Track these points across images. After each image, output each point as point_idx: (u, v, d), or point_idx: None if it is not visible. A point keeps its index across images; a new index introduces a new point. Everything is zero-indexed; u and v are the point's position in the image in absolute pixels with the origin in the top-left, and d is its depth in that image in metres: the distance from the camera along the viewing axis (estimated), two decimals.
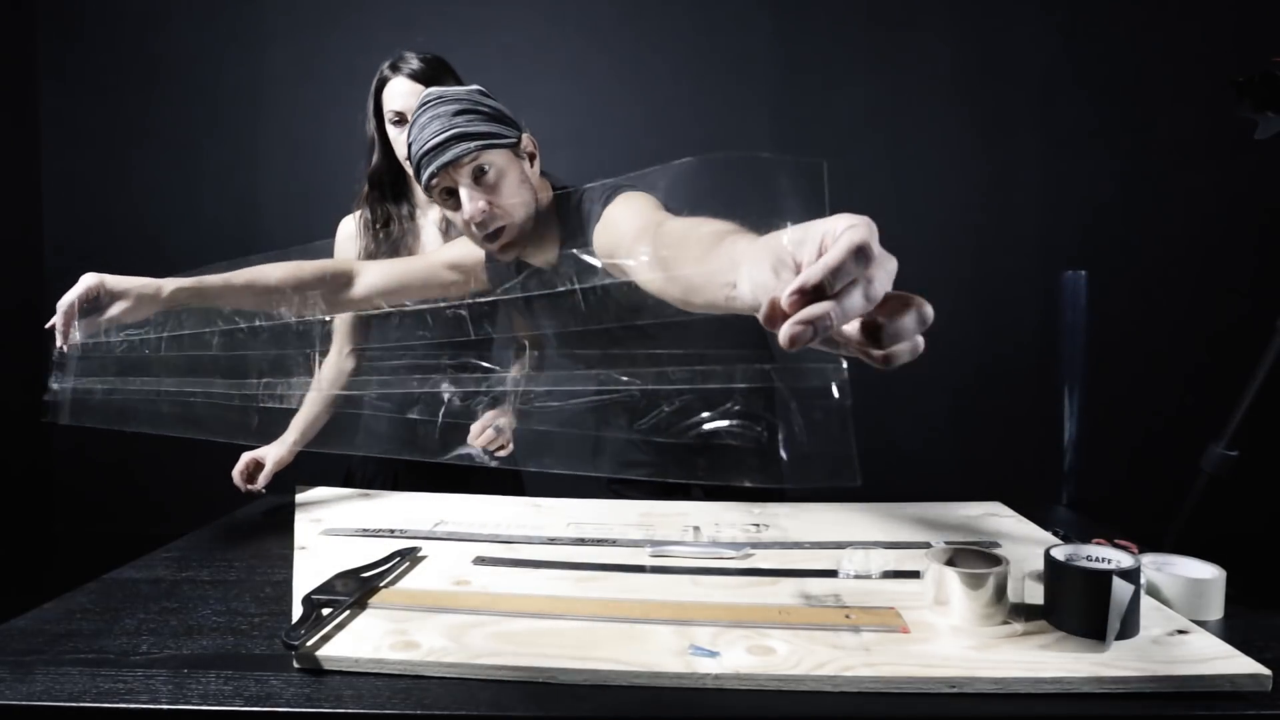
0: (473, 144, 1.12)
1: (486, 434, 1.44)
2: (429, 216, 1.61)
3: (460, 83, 1.51)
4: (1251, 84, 1.50)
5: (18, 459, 3.06)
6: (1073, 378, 1.35)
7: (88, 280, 1.14)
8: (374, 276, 1.37)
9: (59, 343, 1.14)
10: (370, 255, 1.58)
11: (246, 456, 1.50)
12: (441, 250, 1.42)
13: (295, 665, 0.76)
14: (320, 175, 3.15)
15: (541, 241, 1.22)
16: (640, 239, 0.97)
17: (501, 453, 1.46)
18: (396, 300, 1.37)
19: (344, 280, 1.36)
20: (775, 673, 0.73)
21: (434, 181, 1.14)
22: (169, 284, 1.19)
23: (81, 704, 0.71)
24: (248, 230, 3.16)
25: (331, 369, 1.58)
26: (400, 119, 1.52)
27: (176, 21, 3.09)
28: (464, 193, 1.14)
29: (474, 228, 1.16)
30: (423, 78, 1.49)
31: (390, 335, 1.60)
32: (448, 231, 1.55)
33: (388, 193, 1.61)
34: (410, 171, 1.51)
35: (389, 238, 1.58)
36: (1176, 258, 3.02)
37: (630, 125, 3.08)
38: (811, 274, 0.47)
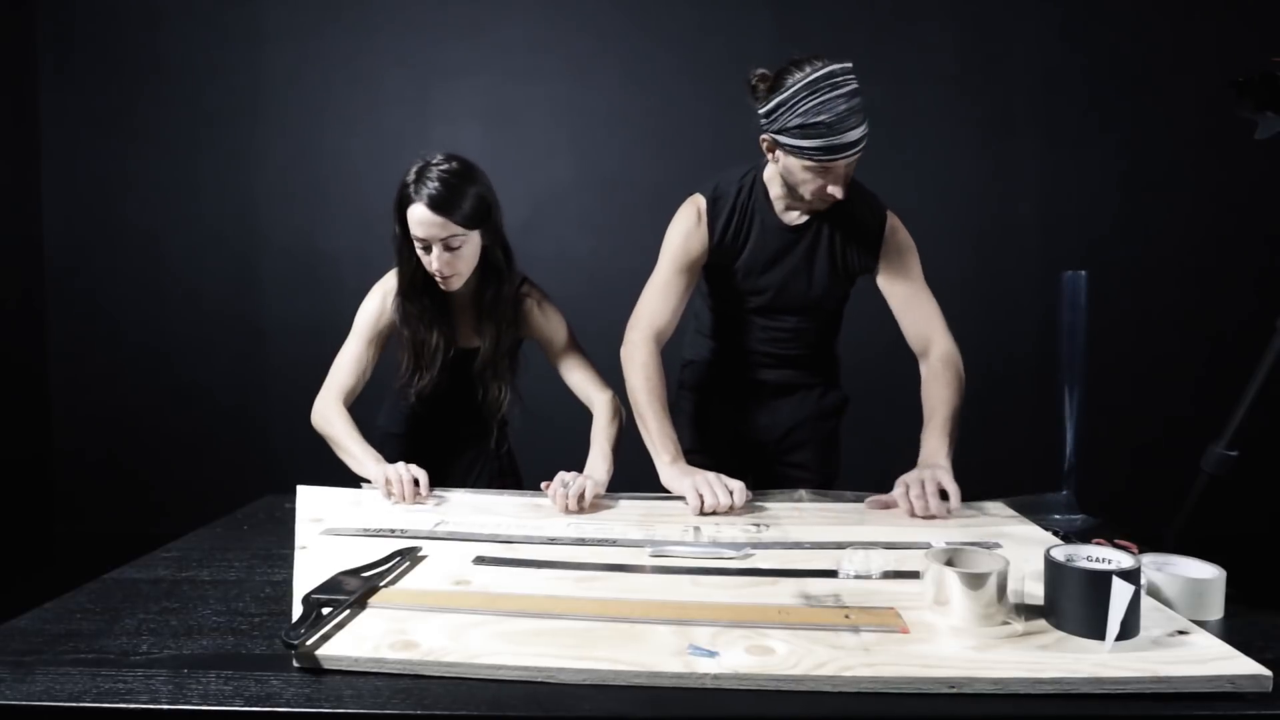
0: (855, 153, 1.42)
1: (562, 492, 1.32)
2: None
3: (482, 178, 1.45)
4: (1251, 84, 1.50)
5: (17, 459, 3.06)
6: (1073, 378, 1.35)
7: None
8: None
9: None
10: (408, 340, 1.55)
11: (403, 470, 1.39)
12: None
13: (295, 665, 0.76)
14: (318, 176, 3.15)
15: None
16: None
17: (578, 516, 1.30)
18: None
19: None
20: (775, 673, 0.73)
21: (813, 155, 1.41)
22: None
23: (81, 704, 0.71)
24: (247, 231, 3.17)
25: (338, 419, 1.49)
26: (425, 245, 1.41)
27: (176, 22, 3.09)
28: (834, 187, 1.44)
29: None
30: (442, 206, 1.38)
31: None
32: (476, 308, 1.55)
33: (424, 298, 1.53)
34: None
35: (423, 351, 1.54)
36: (1176, 258, 3.02)
37: (630, 125, 3.08)
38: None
